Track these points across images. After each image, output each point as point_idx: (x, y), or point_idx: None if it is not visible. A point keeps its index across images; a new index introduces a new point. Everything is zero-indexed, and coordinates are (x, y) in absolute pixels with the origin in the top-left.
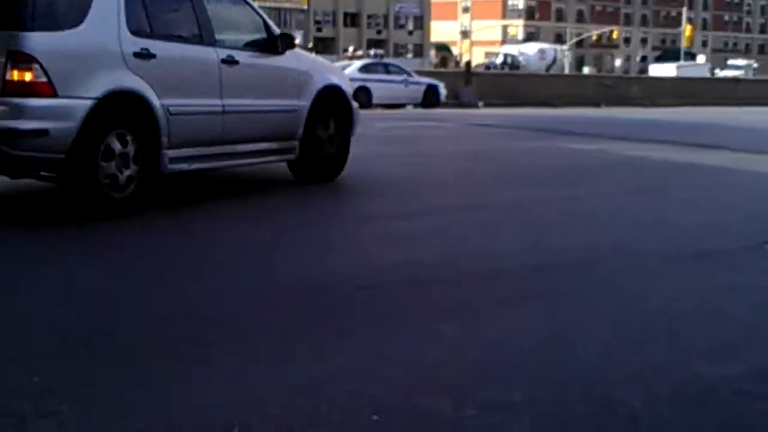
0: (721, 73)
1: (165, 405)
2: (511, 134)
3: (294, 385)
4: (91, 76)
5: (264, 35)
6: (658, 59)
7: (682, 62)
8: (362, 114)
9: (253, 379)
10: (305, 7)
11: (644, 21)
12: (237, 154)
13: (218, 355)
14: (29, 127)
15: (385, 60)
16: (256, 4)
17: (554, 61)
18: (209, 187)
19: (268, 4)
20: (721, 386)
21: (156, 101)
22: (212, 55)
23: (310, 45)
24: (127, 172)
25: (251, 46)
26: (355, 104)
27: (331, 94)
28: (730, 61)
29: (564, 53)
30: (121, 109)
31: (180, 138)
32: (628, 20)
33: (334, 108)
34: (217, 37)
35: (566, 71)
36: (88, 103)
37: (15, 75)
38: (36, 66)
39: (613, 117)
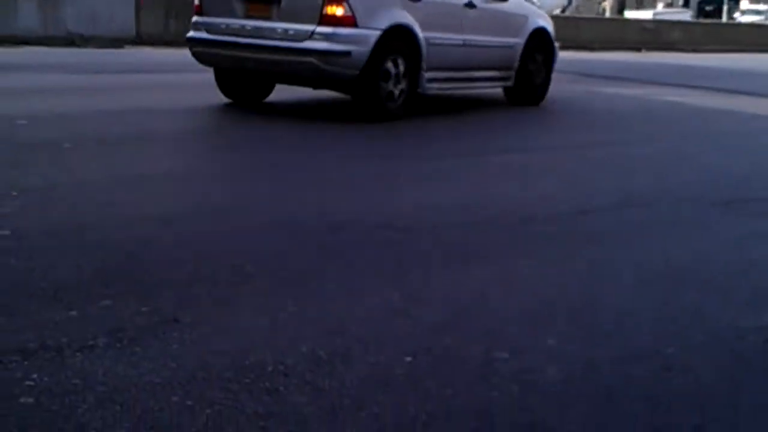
0: (741, 19)
1: (202, 342)
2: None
3: (328, 325)
4: (379, 13)
5: None
6: (701, 3)
7: (659, 9)
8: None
9: (289, 316)
10: None
11: None
12: (471, 79)
13: (254, 289)
14: (339, 49)
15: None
16: None
17: (570, 2)
18: (446, 103)
19: None
20: (753, 335)
21: (420, 34)
22: (458, 0)
23: None
24: (398, 88)
25: None
26: (556, 43)
27: (540, 34)
28: (749, 5)
29: None
30: (397, 39)
31: (434, 63)
32: None
33: (541, 46)
34: None
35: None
36: (377, 33)
37: (330, 10)
38: (345, 4)
39: (653, 62)
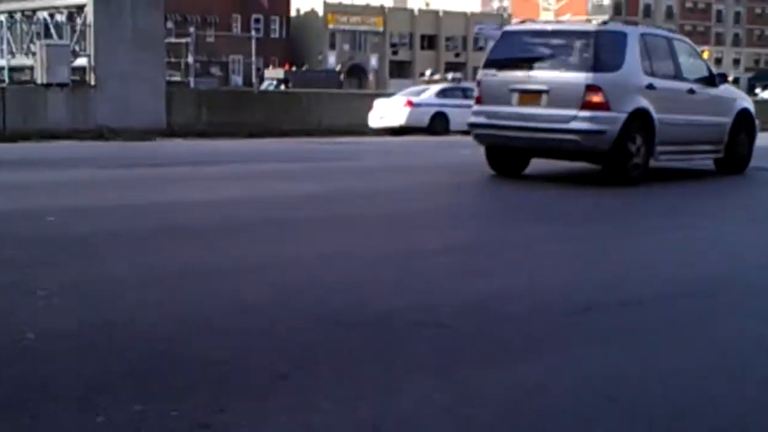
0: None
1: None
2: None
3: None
4: (626, 99)
5: (706, 74)
6: (752, 80)
7: None
8: (440, 141)
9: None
10: (381, 29)
11: (736, 41)
12: (691, 152)
13: (287, 389)
14: (596, 128)
15: (464, 84)
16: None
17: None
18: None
19: (343, 27)
20: None
21: (655, 115)
22: (683, 87)
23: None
24: (638, 160)
25: (700, 81)
26: (757, 121)
27: (744, 113)
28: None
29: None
30: (637, 120)
31: (664, 139)
32: (719, 40)
33: (745, 123)
34: (684, 75)
35: None
36: (625, 115)
37: (591, 98)
38: (601, 93)
39: None
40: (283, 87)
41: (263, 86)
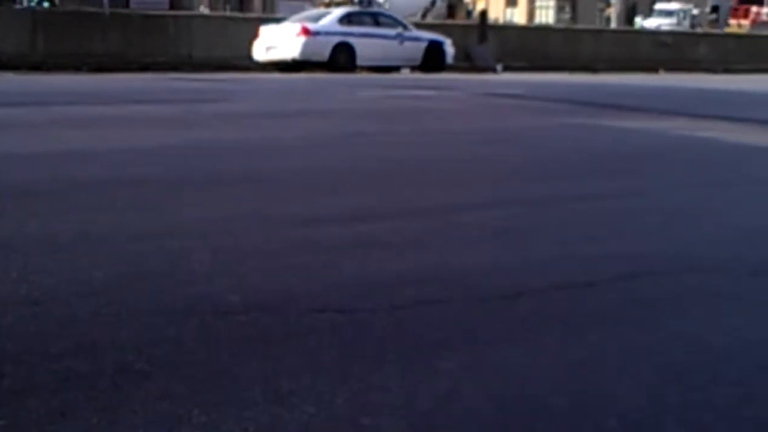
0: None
1: None
2: (539, 108)
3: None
4: None
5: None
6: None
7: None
8: (342, 78)
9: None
10: None
11: None
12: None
13: (147, 394)
14: None
15: (375, 8)
16: None
17: (433, 3)
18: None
19: None
20: None
21: None
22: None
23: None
24: None
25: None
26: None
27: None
28: (659, 5)
29: None
30: None
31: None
32: None
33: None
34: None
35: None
36: None
37: None
38: None
39: (673, 86)
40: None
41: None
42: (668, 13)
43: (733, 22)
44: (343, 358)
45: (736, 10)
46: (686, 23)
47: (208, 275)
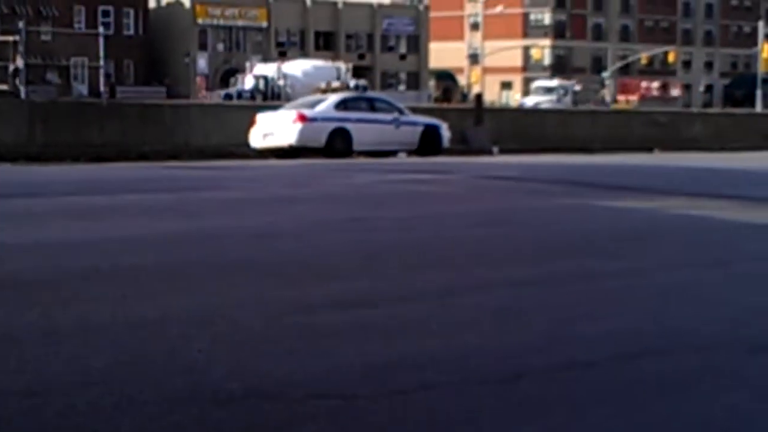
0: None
1: None
2: (535, 190)
3: None
4: None
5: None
6: (728, 87)
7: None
8: (338, 164)
9: None
10: (264, 24)
11: (708, 40)
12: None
13: None
14: None
15: (370, 93)
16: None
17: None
18: None
19: (216, 22)
20: None
21: None
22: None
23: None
24: None
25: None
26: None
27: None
28: (538, 82)
29: (346, 71)
30: None
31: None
32: (687, 39)
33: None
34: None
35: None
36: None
37: None
38: None
39: (669, 166)
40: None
41: None
42: (548, 90)
43: (621, 98)
44: None
45: (624, 85)
46: (567, 100)
47: (207, 362)
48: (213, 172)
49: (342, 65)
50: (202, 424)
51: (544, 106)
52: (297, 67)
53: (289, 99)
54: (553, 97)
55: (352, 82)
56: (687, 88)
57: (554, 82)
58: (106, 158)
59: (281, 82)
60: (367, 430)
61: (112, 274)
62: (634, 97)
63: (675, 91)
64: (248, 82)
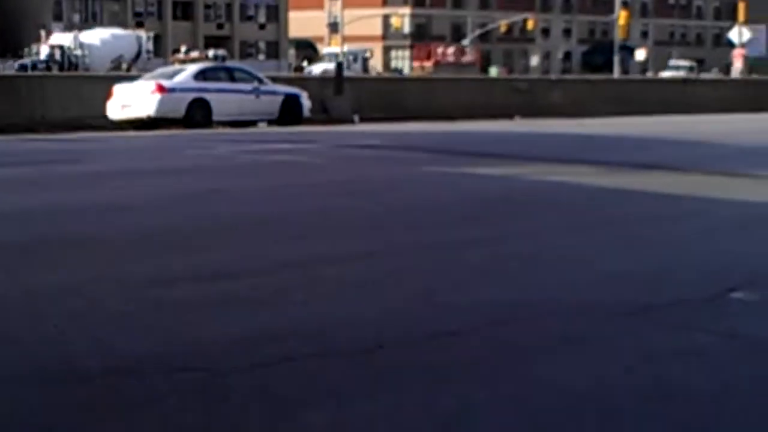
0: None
1: None
2: (397, 158)
3: None
4: None
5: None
6: (587, 54)
7: None
8: (198, 135)
9: None
10: None
11: (567, 7)
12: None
13: None
14: None
15: (230, 63)
16: None
17: (139, 54)
18: None
19: None
20: None
21: None
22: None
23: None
24: None
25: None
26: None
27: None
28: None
29: (150, 39)
30: None
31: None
32: (545, 6)
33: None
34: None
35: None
36: None
37: None
38: None
39: (529, 132)
40: None
41: None
42: (335, 57)
43: (416, 64)
44: (206, 418)
45: (418, 51)
46: (357, 67)
47: (64, 340)
48: (70, 144)
49: (143, 34)
50: (60, 402)
51: (330, 73)
52: (95, 36)
53: (87, 69)
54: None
55: (211, 52)
56: (546, 55)
57: (343, 49)
58: None
59: (78, 52)
60: (230, 403)
61: None
62: (429, 63)
63: (469, 57)
64: (44, 52)
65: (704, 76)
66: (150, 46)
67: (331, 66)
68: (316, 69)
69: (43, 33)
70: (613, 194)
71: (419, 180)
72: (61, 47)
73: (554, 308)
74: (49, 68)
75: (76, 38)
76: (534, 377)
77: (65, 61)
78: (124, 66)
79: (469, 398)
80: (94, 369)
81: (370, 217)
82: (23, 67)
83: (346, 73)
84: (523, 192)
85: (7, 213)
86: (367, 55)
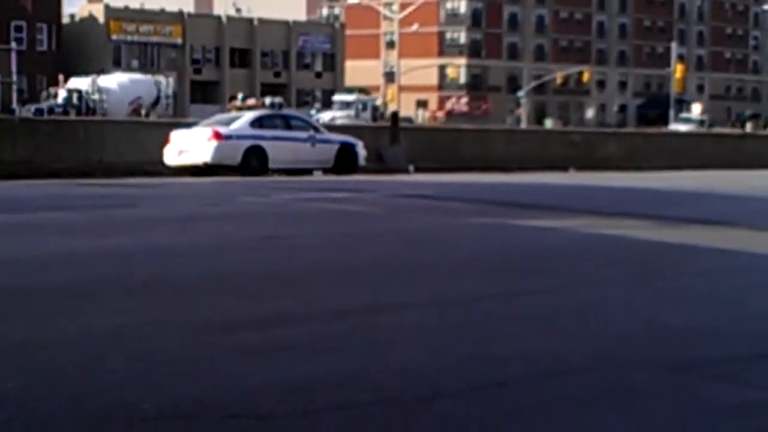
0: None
1: None
2: (451, 209)
3: None
4: None
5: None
6: (642, 107)
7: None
8: (253, 182)
9: None
10: (179, 41)
11: (623, 59)
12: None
13: None
14: None
15: (286, 111)
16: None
17: (158, 100)
18: None
19: (130, 38)
20: None
21: None
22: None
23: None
24: None
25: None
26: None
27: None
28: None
29: (170, 85)
30: None
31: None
32: (601, 59)
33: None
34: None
35: (523, 124)
36: None
37: None
38: None
39: (583, 185)
40: None
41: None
42: (345, 105)
43: (428, 114)
44: None
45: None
46: (366, 115)
47: (122, 383)
48: (127, 189)
49: (162, 79)
50: None
51: (339, 121)
52: (113, 81)
53: (104, 113)
54: (351, 111)
55: (268, 100)
56: (602, 108)
57: (352, 97)
58: (17, 176)
59: (96, 96)
60: None
61: (24, 293)
62: (441, 113)
63: (484, 106)
64: (61, 96)
65: (761, 131)
66: (170, 91)
67: (339, 113)
68: (325, 116)
69: (61, 77)
70: (666, 248)
71: (473, 231)
72: (79, 91)
73: (605, 361)
74: (66, 112)
75: (94, 82)
76: (582, 430)
77: (83, 105)
78: (143, 112)
79: None
80: (149, 413)
81: (424, 267)
82: (39, 112)
83: (356, 121)
84: (576, 244)
85: (65, 256)
86: (377, 103)
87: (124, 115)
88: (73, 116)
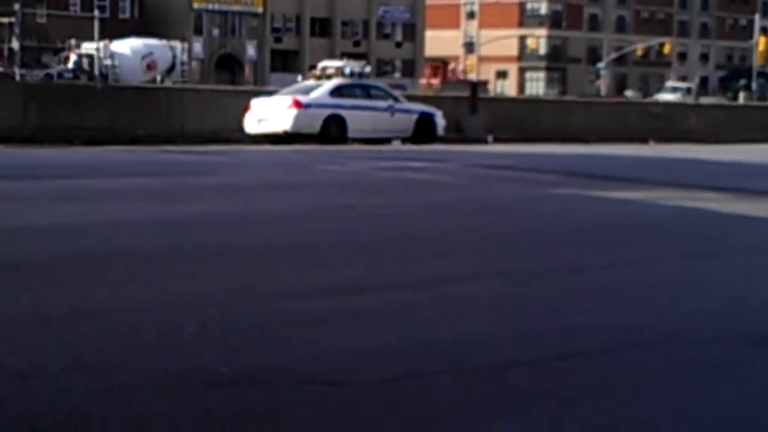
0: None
1: None
2: (530, 179)
3: None
4: None
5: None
6: (724, 79)
7: None
8: (332, 151)
9: None
10: (260, 10)
11: (704, 32)
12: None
13: None
14: None
15: (366, 80)
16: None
17: (173, 66)
18: None
19: (211, 7)
20: None
21: None
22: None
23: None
24: None
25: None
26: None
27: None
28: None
29: (182, 51)
30: None
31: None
32: (683, 30)
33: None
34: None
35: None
36: None
37: None
38: None
39: (663, 157)
40: None
41: None
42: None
43: (423, 81)
44: (332, 431)
45: (429, 68)
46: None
47: (197, 348)
48: (207, 156)
49: (177, 45)
50: (193, 409)
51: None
52: (126, 46)
53: (117, 80)
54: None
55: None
56: (683, 80)
57: (341, 63)
58: (99, 141)
59: (108, 62)
60: (356, 417)
61: (104, 258)
62: (436, 81)
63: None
64: (72, 61)
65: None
66: (185, 57)
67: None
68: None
69: (73, 42)
70: (745, 221)
71: (548, 202)
72: (90, 56)
73: (679, 334)
74: (76, 77)
75: (106, 47)
76: (659, 403)
77: (94, 70)
78: (158, 78)
79: (593, 422)
80: (225, 378)
81: (499, 238)
82: (49, 77)
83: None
84: (654, 217)
85: (141, 222)
86: (367, 69)
87: (138, 80)
88: (84, 80)
